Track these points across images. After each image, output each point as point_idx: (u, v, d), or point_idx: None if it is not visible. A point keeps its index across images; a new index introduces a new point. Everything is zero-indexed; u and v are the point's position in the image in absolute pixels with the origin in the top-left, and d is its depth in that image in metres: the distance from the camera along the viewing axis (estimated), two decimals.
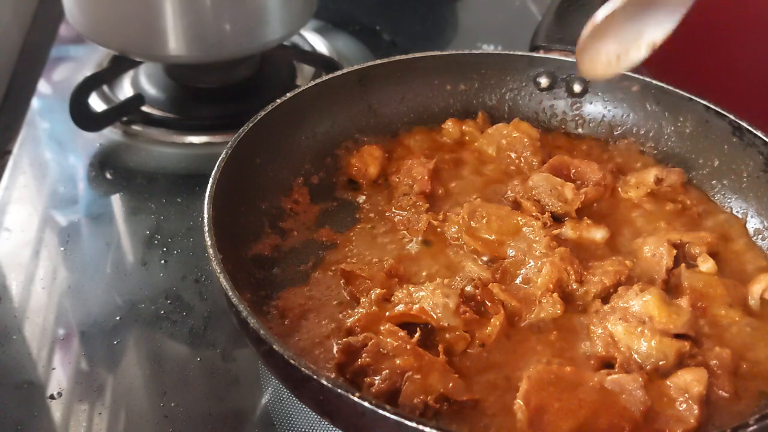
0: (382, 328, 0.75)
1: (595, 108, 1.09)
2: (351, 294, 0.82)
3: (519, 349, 0.77)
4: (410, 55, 1.08)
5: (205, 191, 0.81)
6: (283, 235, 0.92)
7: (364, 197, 0.99)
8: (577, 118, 1.10)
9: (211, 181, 0.83)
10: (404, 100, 1.10)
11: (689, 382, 0.70)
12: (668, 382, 0.71)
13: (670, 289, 0.83)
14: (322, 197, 0.99)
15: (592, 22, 0.70)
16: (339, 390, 0.62)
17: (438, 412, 0.69)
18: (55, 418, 0.81)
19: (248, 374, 0.86)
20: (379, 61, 1.07)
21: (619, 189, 0.98)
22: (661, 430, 0.68)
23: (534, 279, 0.82)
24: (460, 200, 0.95)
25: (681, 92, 1.01)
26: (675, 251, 0.85)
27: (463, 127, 1.08)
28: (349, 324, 0.77)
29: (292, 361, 0.64)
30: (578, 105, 1.10)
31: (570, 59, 1.08)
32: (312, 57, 1.40)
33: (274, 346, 0.65)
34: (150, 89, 1.30)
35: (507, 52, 1.11)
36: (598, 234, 0.89)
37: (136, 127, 1.24)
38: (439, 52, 1.10)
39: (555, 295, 0.80)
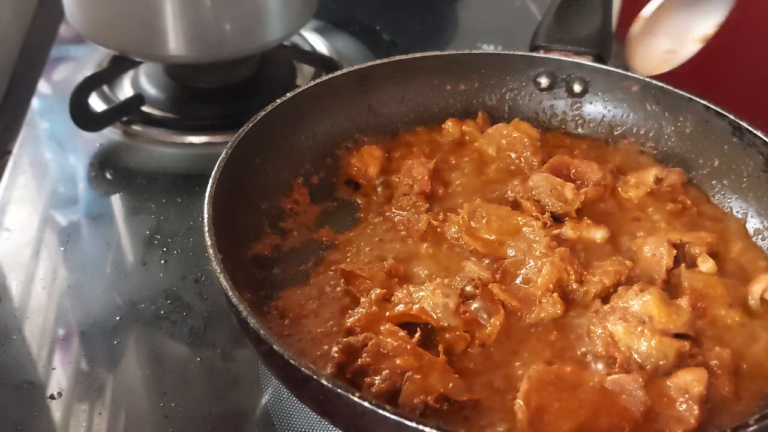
0: (382, 328, 0.75)
1: (595, 108, 1.09)
2: (351, 294, 0.82)
3: (519, 349, 0.77)
4: (410, 55, 1.08)
5: (205, 191, 0.81)
6: (283, 235, 0.92)
7: (364, 197, 0.99)
8: (577, 118, 1.10)
9: (211, 181, 0.83)
10: (404, 100, 1.10)
11: (689, 382, 0.70)
12: (668, 382, 0.71)
13: (670, 289, 0.83)
14: (322, 197, 0.99)
15: (641, 17, 0.69)
16: (339, 390, 0.62)
17: (438, 412, 0.69)
18: (55, 418, 0.81)
19: (248, 374, 0.86)
20: (379, 61, 1.07)
21: (619, 189, 0.98)
22: (662, 431, 0.68)
23: (534, 279, 0.82)
24: (460, 200, 0.95)
25: (681, 92, 1.01)
26: (675, 251, 0.85)
27: (463, 127, 1.08)
28: (349, 324, 0.77)
29: (292, 361, 0.64)
30: (578, 105, 1.10)
31: (570, 59, 1.08)
32: (312, 57, 1.40)
33: (274, 346, 0.65)
34: (150, 89, 1.30)
35: (507, 52, 1.11)
36: (598, 234, 0.89)
37: (136, 127, 1.24)
38: (439, 52, 1.10)
39: (555, 295, 0.80)
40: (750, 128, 0.94)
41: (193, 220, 1.06)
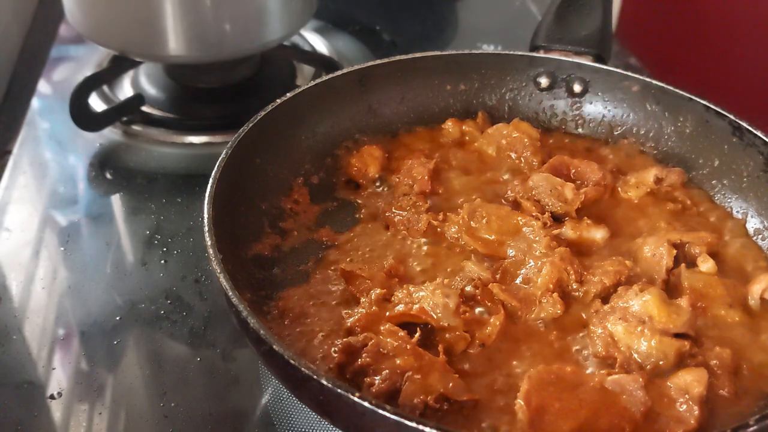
0: (382, 328, 0.75)
1: (595, 108, 1.09)
2: (351, 294, 0.82)
3: (519, 349, 0.77)
4: (410, 55, 1.08)
5: (205, 191, 0.81)
6: (283, 235, 0.92)
7: (364, 197, 0.99)
8: (577, 118, 1.10)
9: (211, 181, 0.83)
10: (404, 100, 1.10)
11: (689, 382, 0.70)
12: (668, 383, 0.71)
13: (670, 289, 0.83)
14: (322, 197, 0.99)
15: None
16: (339, 390, 0.62)
17: (438, 412, 0.69)
18: (55, 418, 0.81)
19: (248, 374, 0.86)
20: (379, 61, 1.07)
21: (619, 189, 0.98)
22: (662, 431, 0.68)
23: (534, 279, 0.82)
24: (460, 200, 0.95)
25: (681, 92, 1.01)
26: (675, 251, 0.85)
27: (463, 127, 1.08)
28: (349, 324, 0.77)
29: (292, 361, 0.64)
30: (578, 105, 1.10)
31: (570, 59, 1.08)
32: (312, 57, 1.40)
33: (274, 346, 0.65)
34: (150, 89, 1.30)
35: (507, 52, 1.11)
36: (598, 234, 0.89)
37: (136, 127, 1.24)
38: (439, 52, 1.10)
39: (555, 295, 0.80)
40: (750, 128, 0.94)
41: (193, 220, 1.06)
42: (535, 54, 1.10)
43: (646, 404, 0.68)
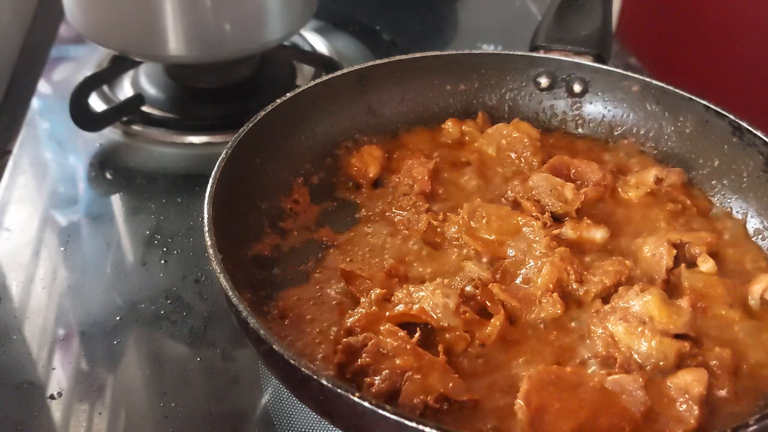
0: (382, 328, 0.75)
1: (595, 108, 1.09)
2: (351, 294, 0.82)
3: (519, 349, 0.77)
4: (410, 55, 1.08)
5: (205, 191, 0.81)
6: (283, 235, 0.92)
7: (364, 197, 0.99)
8: (577, 118, 1.10)
9: (211, 181, 0.83)
10: (404, 100, 1.10)
11: (689, 382, 0.70)
12: (668, 383, 0.71)
13: (670, 289, 0.83)
14: (322, 197, 0.99)
15: None
16: (339, 390, 0.62)
17: (438, 412, 0.69)
18: (55, 418, 0.81)
19: (248, 374, 0.86)
20: (379, 61, 1.07)
21: (619, 189, 0.98)
22: (662, 431, 0.68)
23: (534, 279, 0.82)
24: (460, 200, 0.95)
25: (681, 92, 1.01)
26: (675, 251, 0.85)
27: (463, 127, 1.08)
28: (349, 324, 0.77)
29: (292, 361, 0.64)
30: (578, 105, 1.10)
31: (570, 59, 1.08)
32: (312, 57, 1.40)
33: (274, 346, 0.65)
34: (150, 89, 1.29)
35: (507, 52, 1.11)
36: (598, 234, 0.89)
37: (136, 127, 1.24)
38: (439, 52, 1.10)
39: (555, 295, 0.80)
40: (750, 128, 0.94)
41: (193, 220, 1.06)
42: (535, 54, 1.10)
43: (646, 404, 0.68)
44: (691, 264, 0.86)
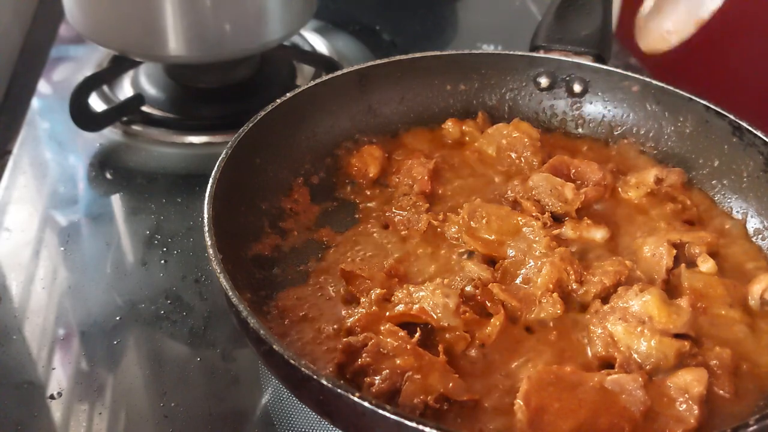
0: (382, 328, 0.75)
1: (595, 108, 1.09)
2: (351, 294, 0.82)
3: (519, 349, 0.77)
4: (410, 55, 1.08)
5: (205, 191, 0.81)
6: (283, 235, 0.92)
7: (364, 197, 0.99)
8: (577, 118, 1.10)
9: (211, 181, 0.83)
10: (404, 100, 1.10)
11: (689, 382, 0.70)
12: (668, 382, 0.71)
13: (670, 289, 0.83)
14: (322, 197, 0.99)
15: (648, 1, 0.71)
16: (339, 390, 0.62)
17: (438, 412, 0.69)
18: (55, 418, 0.81)
19: (248, 374, 0.86)
20: (379, 61, 1.07)
21: (619, 189, 0.98)
22: (661, 430, 0.68)
23: (534, 279, 0.82)
24: (460, 200, 0.95)
25: (681, 92, 1.01)
26: (675, 251, 0.85)
27: (463, 127, 1.08)
28: (349, 324, 0.77)
29: (292, 361, 0.64)
30: (578, 105, 1.10)
31: (570, 59, 1.08)
32: (312, 57, 1.40)
33: (274, 346, 0.65)
34: (150, 89, 1.30)
35: (507, 52, 1.11)
36: (598, 234, 0.89)
37: (136, 127, 1.24)
38: (439, 52, 1.10)
39: (555, 295, 0.80)
40: (750, 128, 0.94)
41: (193, 220, 1.06)
42: (535, 54, 1.10)
43: (646, 404, 0.68)
44: (691, 264, 0.86)
